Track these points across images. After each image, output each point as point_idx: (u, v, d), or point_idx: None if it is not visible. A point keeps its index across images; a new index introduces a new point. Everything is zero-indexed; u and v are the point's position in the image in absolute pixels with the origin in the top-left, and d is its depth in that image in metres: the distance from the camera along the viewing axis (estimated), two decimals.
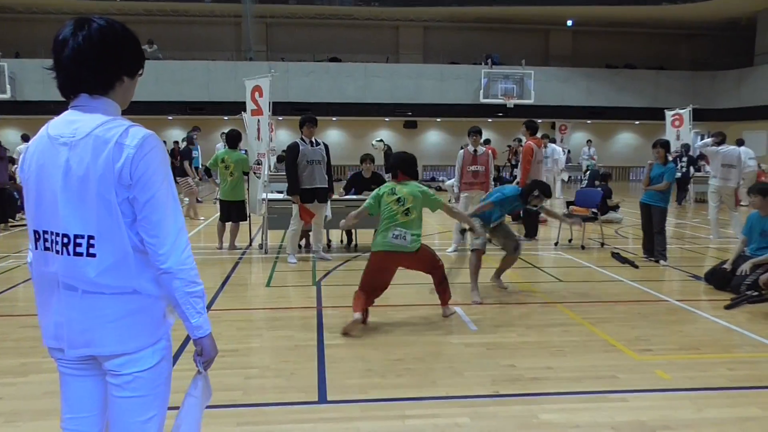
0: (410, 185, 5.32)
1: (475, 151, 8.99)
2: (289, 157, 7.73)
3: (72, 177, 1.75)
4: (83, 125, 1.78)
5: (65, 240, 1.77)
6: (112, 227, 1.77)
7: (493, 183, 9.40)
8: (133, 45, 1.89)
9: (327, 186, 7.89)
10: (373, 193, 5.45)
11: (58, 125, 1.82)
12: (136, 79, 1.92)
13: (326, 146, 8.00)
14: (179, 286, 1.82)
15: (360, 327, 5.08)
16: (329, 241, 9.46)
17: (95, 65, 1.78)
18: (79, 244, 1.76)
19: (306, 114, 8.03)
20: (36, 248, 1.86)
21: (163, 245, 1.79)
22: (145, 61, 1.95)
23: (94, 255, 1.77)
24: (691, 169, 16.13)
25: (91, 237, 1.76)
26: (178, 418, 2.02)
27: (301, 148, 7.68)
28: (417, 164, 5.70)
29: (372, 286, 5.28)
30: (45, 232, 1.81)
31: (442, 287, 5.56)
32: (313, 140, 7.82)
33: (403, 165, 5.45)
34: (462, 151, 9.12)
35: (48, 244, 1.81)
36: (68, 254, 1.78)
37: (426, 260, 5.45)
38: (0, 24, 24.13)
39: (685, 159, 15.65)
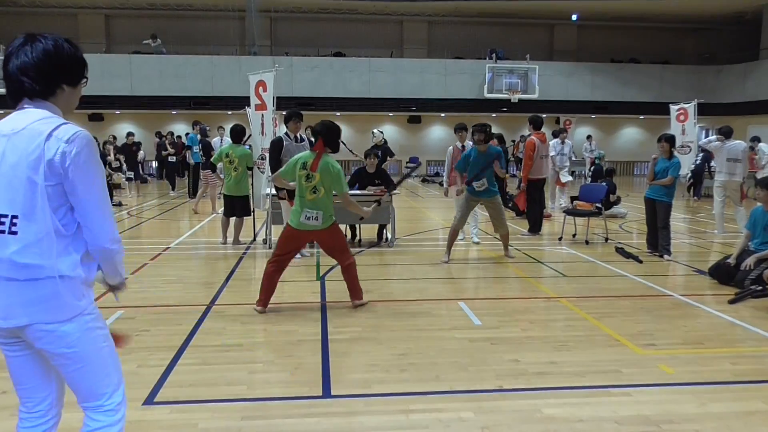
0: (325, 159, 5.25)
1: (463, 147, 9.15)
2: (273, 153, 7.58)
3: (5, 164, 1.99)
4: (22, 121, 2.03)
5: None
6: (36, 209, 1.98)
7: None
8: (73, 59, 2.12)
9: None
10: (292, 159, 5.45)
11: (3, 122, 2.06)
12: (80, 87, 2.18)
13: (310, 142, 7.92)
14: (111, 258, 2.15)
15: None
16: None
17: (34, 76, 2.04)
18: (2, 222, 1.98)
19: (292, 109, 7.88)
20: None
21: (94, 226, 2.05)
22: (87, 72, 2.19)
23: (15, 233, 1.98)
24: (709, 163, 16.00)
25: (14, 216, 1.98)
26: None
27: (285, 143, 7.56)
28: (340, 137, 5.57)
29: (285, 250, 5.52)
30: None
31: (350, 279, 5.61)
32: (298, 136, 7.74)
33: (327, 133, 5.31)
34: (450, 148, 9.36)
35: None
36: None
37: (334, 245, 5.56)
38: (4, 17, 24.15)
39: (701, 153, 15.53)
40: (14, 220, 1.97)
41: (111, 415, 2.24)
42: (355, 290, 5.66)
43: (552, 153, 14.00)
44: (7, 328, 2.06)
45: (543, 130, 10.78)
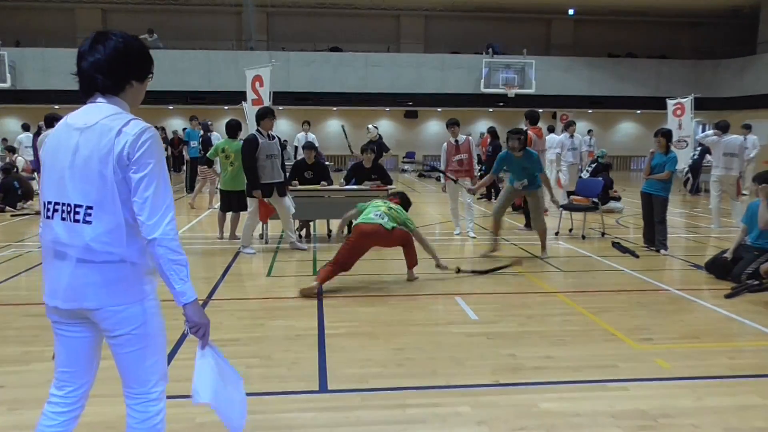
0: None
1: (457, 141, 9.18)
2: (247, 151, 7.53)
3: (79, 156, 2.11)
4: (94, 116, 2.14)
5: (68, 209, 2.12)
6: (108, 200, 2.10)
7: (477, 168, 9.97)
8: (142, 56, 2.24)
9: (284, 180, 7.83)
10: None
11: (76, 115, 2.18)
12: (146, 83, 2.29)
13: (279, 139, 7.96)
14: (164, 254, 2.12)
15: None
16: (329, 231, 9.47)
17: (107, 72, 2.16)
18: (78, 212, 2.10)
19: (265, 107, 7.87)
20: (45, 217, 2.19)
21: (151, 217, 2.10)
22: (153, 68, 2.30)
23: (90, 222, 2.10)
24: (706, 157, 15.95)
25: (89, 207, 2.10)
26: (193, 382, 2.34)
27: (260, 141, 7.52)
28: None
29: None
30: (54, 203, 2.15)
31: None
32: (269, 134, 7.70)
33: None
34: (445, 144, 9.37)
35: (49, 213, 2.16)
36: (70, 221, 2.12)
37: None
38: (1, 12, 24.03)
39: (698, 148, 15.51)
40: (89, 211, 2.10)
41: (154, 405, 2.33)
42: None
43: (558, 150, 14.00)
44: (78, 309, 2.17)
45: (539, 124, 10.80)
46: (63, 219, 2.12)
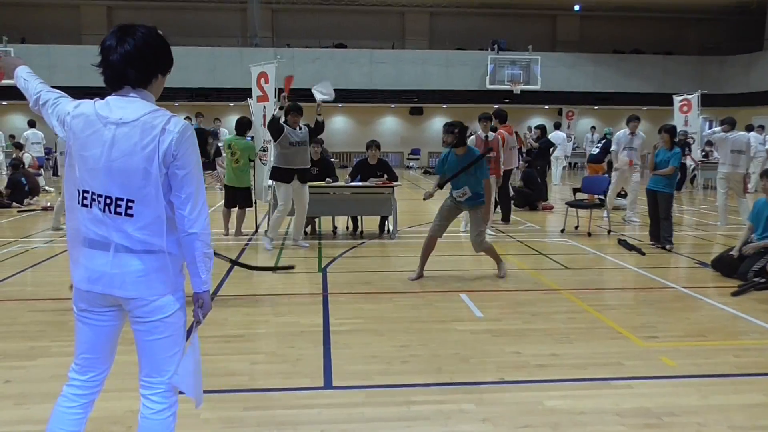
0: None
1: (486, 136, 8.97)
2: (270, 131, 7.72)
3: (117, 150, 2.14)
4: (130, 112, 2.16)
5: (108, 201, 2.16)
6: (150, 195, 2.16)
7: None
8: (167, 49, 2.30)
9: (308, 168, 7.90)
10: None
11: (107, 107, 2.19)
12: (167, 76, 2.34)
13: (309, 128, 7.96)
14: (199, 247, 2.25)
15: None
16: (335, 227, 9.47)
17: (139, 65, 2.19)
18: (119, 206, 2.16)
19: (292, 103, 7.85)
20: (77, 204, 2.22)
21: (192, 212, 2.21)
22: (173, 64, 2.34)
23: (131, 215, 2.16)
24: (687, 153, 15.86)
25: (130, 200, 2.16)
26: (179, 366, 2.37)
27: (285, 128, 7.63)
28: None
29: None
30: (88, 191, 2.19)
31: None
32: (297, 127, 7.79)
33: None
34: (473, 136, 9.06)
35: (87, 202, 2.19)
36: (110, 213, 2.17)
37: None
38: (7, 9, 24.07)
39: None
40: (130, 204, 2.16)
41: (168, 397, 2.38)
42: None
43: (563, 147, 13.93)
44: (114, 296, 2.23)
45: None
46: (103, 210, 2.17)
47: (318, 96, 8.05)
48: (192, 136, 2.22)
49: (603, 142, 13.18)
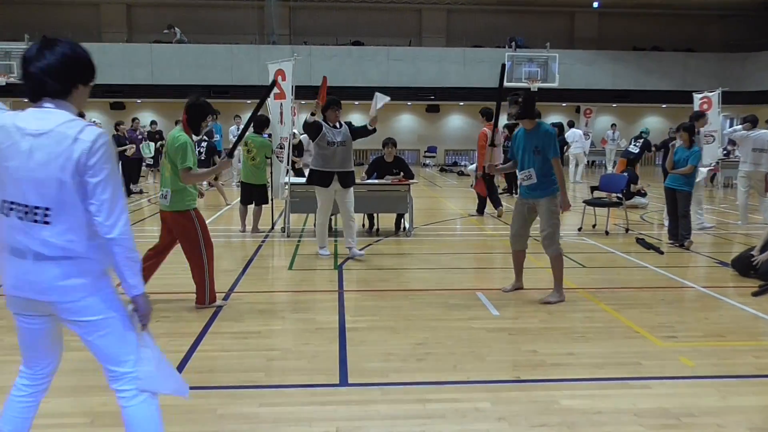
0: (177, 133, 4.98)
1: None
2: (308, 134, 7.19)
3: (33, 161, 2.20)
4: (46, 123, 2.22)
5: (26, 209, 2.23)
6: (67, 202, 2.22)
7: None
8: (87, 61, 2.33)
9: (351, 171, 7.26)
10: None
11: (25, 119, 2.25)
12: (90, 86, 2.38)
13: (350, 126, 7.45)
14: (119, 252, 2.28)
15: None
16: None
17: (56, 76, 2.24)
18: (36, 214, 2.22)
19: (331, 97, 7.47)
20: (2, 214, 2.28)
21: (108, 218, 2.24)
22: (96, 73, 2.38)
23: (48, 223, 2.22)
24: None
25: (47, 208, 2.22)
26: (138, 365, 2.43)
27: (323, 127, 7.10)
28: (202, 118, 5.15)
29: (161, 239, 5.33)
30: (11, 202, 2.25)
31: (198, 281, 5.16)
32: (337, 123, 7.30)
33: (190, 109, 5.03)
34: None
35: (5, 211, 2.26)
36: (28, 221, 2.23)
37: (176, 231, 5.11)
38: (28, 8, 24.38)
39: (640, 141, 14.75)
40: (47, 212, 2.22)
41: (138, 381, 2.42)
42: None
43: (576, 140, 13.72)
44: (38, 301, 2.30)
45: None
46: (20, 218, 2.23)
47: (379, 103, 7.52)
48: (106, 146, 2.24)
49: (641, 141, 13.12)
